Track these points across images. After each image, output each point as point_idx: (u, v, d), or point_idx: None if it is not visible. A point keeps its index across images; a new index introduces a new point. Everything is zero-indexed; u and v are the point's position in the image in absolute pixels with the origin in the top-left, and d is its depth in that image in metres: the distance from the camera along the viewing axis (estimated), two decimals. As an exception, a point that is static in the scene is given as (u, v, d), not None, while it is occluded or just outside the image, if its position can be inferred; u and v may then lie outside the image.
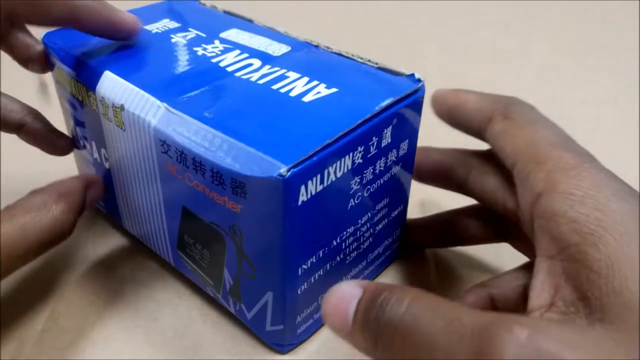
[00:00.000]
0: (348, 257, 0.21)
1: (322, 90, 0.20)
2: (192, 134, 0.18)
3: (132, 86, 0.20)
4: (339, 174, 0.18)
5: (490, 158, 0.21)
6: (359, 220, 0.21)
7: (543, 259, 0.16)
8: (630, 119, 0.37)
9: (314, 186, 0.17)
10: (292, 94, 0.20)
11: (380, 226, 0.23)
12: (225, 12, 0.27)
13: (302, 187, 0.17)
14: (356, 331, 0.15)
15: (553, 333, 0.13)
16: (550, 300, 0.15)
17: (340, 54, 0.23)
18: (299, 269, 0.19)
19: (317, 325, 0.22)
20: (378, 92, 0.20)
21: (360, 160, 0.19)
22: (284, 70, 0.21)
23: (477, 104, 0.21)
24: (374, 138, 0.19)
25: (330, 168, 0.18)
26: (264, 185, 0.16)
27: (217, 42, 0.23)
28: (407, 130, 0.21)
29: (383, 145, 0.20)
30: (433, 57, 0.45)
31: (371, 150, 0.19)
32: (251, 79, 0.21)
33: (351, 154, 0.18)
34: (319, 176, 0.17)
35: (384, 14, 0.54)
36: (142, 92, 0.20)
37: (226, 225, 0.19)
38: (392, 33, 0.49)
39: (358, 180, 0.19)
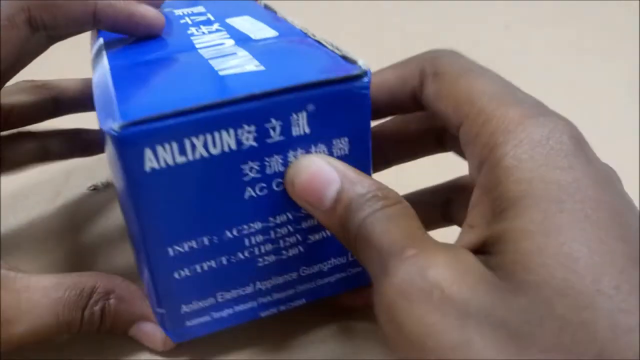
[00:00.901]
0: (260, 260, 0.19)
1: (250, 67, 0.18)
2: (101, 89, 0.18)
3: (102, 44, 0.21)
4: (214, 151, 0.16)
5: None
6: (271, 219, 0.18)
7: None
8: (630, 119, 0.36)
9: (169, 155, 0.16)
10: (218, 67, 0.18)
11: (316, 237, 0.19)
12: (266, 6, 0.27)
13: (148, 151, 0.16)
14: (334, 218, 0.16)
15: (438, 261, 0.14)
16: None
17: (319, 42, 0.20)
18: (170, 249, 0.17)
19: (218, 325, 0.20)
20: (304, 76, 0.17)
21: (254, 143, 0.17)
22: (240, 50, 0.20)
23: (398, 77, 0.18)
24: (273, 120, 0.17)
25: (194, 139, 0.16)
26: (109, 139, 0.16)
27: (216, 24, 0.23)
28: (344, 126, 0.18)
29: (295, 134, 0.17)
30: (433, 57, 0.46)
31: (272, 135, 0.17)
32: (204, 55, 0.20)
33: (232, 130, 0.16)
34: (175, 144, 0.16)
35: (384, 14, 0.54)
36: (104, 52, 0.21)
37: (114, 176, 0.18)
38: (392, 33, 0.50)
39: (257, 169, 0.17)
